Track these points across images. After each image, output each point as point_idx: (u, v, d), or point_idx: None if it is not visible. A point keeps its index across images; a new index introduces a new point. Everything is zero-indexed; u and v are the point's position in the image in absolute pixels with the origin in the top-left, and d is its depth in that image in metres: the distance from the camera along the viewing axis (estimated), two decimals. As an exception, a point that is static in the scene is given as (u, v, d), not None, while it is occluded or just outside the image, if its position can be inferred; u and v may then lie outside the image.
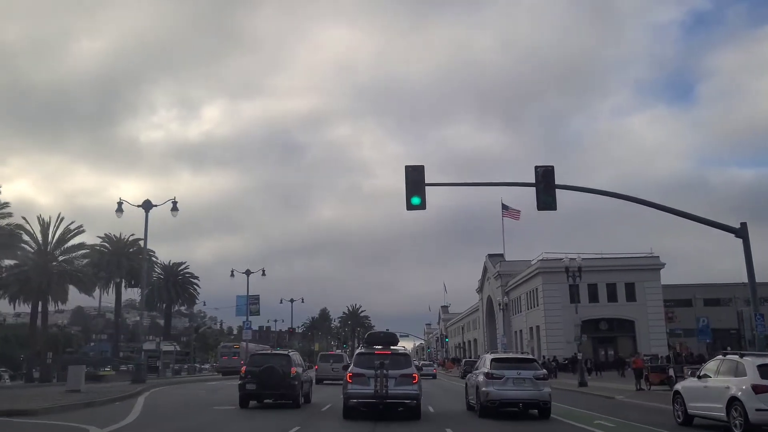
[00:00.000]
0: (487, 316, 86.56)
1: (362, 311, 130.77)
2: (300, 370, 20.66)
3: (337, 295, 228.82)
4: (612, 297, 59.44)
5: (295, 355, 21.85)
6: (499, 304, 55.91)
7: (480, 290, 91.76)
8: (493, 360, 18.66)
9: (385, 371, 16.05)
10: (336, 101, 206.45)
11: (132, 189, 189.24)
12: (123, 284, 58.74)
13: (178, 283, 66.57)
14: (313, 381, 25.91)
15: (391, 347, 17.82)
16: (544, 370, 19.41)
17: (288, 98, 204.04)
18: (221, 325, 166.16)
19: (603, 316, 58.98)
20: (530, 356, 24.33)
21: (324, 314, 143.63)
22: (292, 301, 74.54)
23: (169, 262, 68.01)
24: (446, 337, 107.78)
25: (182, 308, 69.48)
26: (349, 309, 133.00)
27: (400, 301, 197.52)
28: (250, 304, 51.60)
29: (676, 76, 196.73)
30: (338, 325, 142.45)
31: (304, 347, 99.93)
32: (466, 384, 21.38)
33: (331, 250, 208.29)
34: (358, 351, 18.31)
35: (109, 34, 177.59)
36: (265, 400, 20.11)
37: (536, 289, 62.36)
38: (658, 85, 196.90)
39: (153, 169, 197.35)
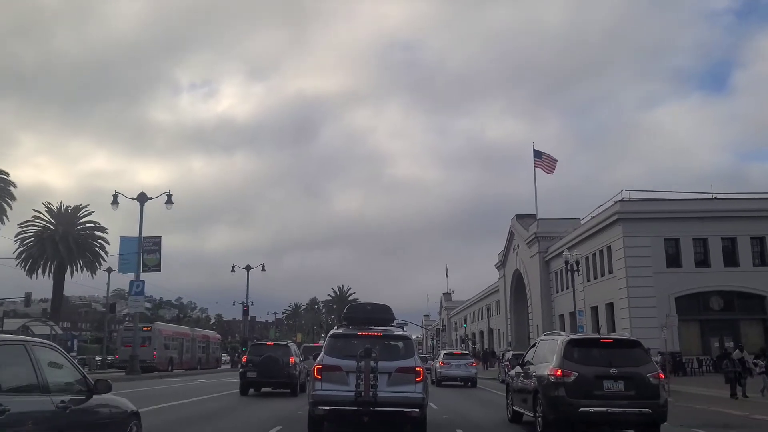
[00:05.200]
0: (514, 296, 65.62)
1: (351, 293, 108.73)
2: (298, 360, 21.70)
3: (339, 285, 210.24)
4: (730, 259, 38.35)
5: (293, 346, 23.42)
6: (566, 263, 34.67)
7: (502, 265, 70.73)
8: (444, 354, 33.95)
9: (373, 363, 10.05)
10: (365, 84, 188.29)
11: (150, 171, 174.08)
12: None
13: (73, 236, 45.13)
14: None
15: (383, 328, 11.62)
16: (473, 360, 34.92)
17: (320, 78, 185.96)
18: (202, 312, 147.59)
19: (716, 288, 38.11)
20: (466, 352, 40.37)
21: (313, 303, 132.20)
22: (248, 268, 53.32)
23: (61, 205, 46.66)
24: (465, 323, 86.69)
25: (87, 272, 47.60)
26: (335, 291, 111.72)
27: (401, 293, 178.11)
28: (146, 251, 30.07)
29: (718, 65, 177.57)
30: (325, 312, 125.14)
31: (282, 338, 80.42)
32: (429, 369, 30.00)
33: (344, 242, 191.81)
34: (332, 332, 11.94)
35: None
36: (263, 389, 21.37)
37: (608, 248, 41.27)
38: (697, 73, 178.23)
39: (166, 152, 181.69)
